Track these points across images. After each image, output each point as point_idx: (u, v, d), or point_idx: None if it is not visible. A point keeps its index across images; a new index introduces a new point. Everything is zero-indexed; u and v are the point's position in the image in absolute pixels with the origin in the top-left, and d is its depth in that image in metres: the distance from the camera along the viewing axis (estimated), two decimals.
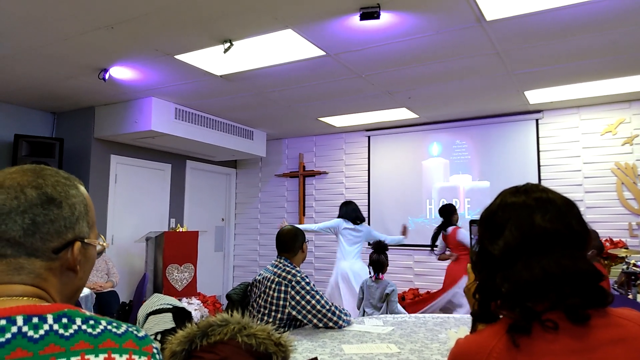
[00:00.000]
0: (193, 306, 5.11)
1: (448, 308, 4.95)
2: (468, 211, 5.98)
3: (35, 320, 0.71)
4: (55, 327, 0.72)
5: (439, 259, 5.41)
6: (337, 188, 6.98)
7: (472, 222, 4.88)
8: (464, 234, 4.92)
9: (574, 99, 5.20)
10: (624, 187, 5.20)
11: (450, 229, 5.04)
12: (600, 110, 5.39)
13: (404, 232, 5.31)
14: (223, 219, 7.68)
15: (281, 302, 2.38)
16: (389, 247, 4.41)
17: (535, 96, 5.14)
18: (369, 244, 6.36)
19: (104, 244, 3.29)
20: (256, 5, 3.10)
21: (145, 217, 6.24)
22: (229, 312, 1.27)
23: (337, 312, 2.41)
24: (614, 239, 5.05)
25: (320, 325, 2.36)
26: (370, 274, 4.27)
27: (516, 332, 0.92)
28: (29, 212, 0.78)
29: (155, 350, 0.80)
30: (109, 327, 0.77)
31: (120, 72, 4.42)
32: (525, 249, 0.98)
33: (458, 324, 2.50)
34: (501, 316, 1.00)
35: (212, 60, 4.06)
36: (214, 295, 5.99)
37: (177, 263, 5.46)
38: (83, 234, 0.84)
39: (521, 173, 5.65)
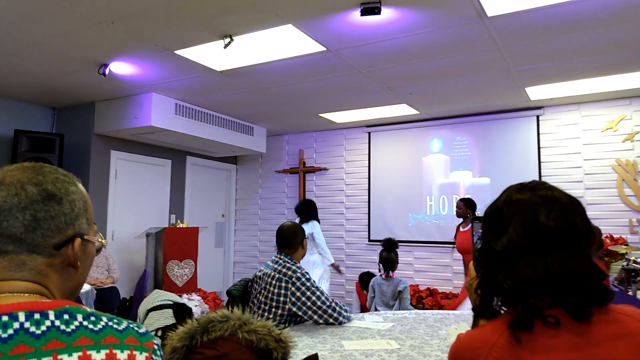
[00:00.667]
0: (193, 302, 5.11)
1: None
2: None
3: (37, 316, 0.71)
4: (57, 323, 0.72)
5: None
6: (338, 184, 6.98)
7: (475, 218, 4.87)
8: None
9: (574, 95, 5.19)
10: (624, 184, 5.20)
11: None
12: (601, 106, 5.38)
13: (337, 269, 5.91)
14: (223, 215, 7.68)
15: (281, 298, 2.38)
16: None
17: (536, 92, 5.13)
18: (378, 241, 6.39)
19: (103, 241, 3.30)
20: (257, 1, 3.09)
21: (145, 213, 6.24)
22: (230, 308, 1.27)
23: (338, 308, 2.42)
24: (614, 236, 5.06)
25: (321, 321, 2.36)
26: (380, 272, 4.29)
27: (518, 328, 0.92)
28: (29, 209, 0.78)
29: (156, 347, 0.80)
30: (110, 323, 0.77)
31: (120, 68, 4.41)
32: (529, 246, 0.98)
33: (458, 320, 2.50)
34: (502, 312, 1.00)
35: (213, 55, 4.05)
36: (215, 291, 6.00)
37: (178, 259, 5.46)
38: (83, 230, 0.85)
39: (522, 169, 5.64)
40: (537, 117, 5.70)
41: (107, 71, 4.30)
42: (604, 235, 4.77)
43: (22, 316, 0.71)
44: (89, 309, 0.78)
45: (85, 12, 3.26)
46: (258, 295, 2.49)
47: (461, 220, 4.99)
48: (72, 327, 0.73)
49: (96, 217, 5.38)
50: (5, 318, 0.69)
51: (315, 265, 5.32)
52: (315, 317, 2.35)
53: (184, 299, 5.15)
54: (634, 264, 4.33)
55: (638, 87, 4.87)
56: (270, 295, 2.41)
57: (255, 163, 7.75)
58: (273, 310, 2.39)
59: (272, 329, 1.21)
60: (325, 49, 3.89)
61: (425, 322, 2.49)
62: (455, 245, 5.14)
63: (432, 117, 6.25)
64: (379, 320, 2.52)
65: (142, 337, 0.79)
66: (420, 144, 6.39)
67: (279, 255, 2.55)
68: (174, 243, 5.48)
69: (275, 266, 2.49)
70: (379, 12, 3.12)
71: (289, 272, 2.42)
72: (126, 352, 0.75)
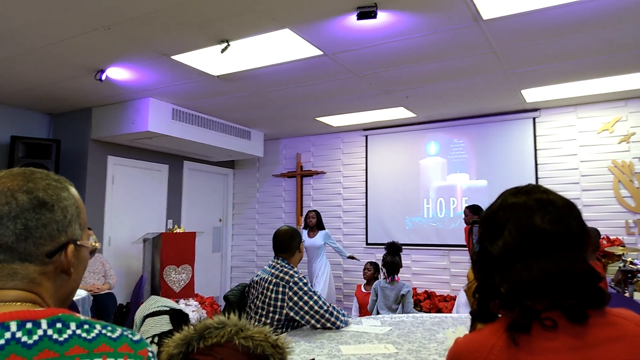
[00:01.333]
0: (191, 307, 5.09)
1: None
2: None
3: (29, 325, 0.71)
4: (50, 332, 0.71)
5: None
6: (335, 188, 6.98)
7: (473, 222, 4.87)
8: None
9: (570, 97, 5.21)
10: (620, 185, 5.21)
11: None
12: (597, 108, 5.40)
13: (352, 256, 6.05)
14: (220, 220, 7.67)
15: (279, 303, 2.37)
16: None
17: (532, 95, 5.14)
18: (375, 244, 6.41)
19: (96, 244, 3.29)
20: (254, 5, 3.09)
21: (142, 218, 6.22)
22: (226, 314, 1.26)
23: (335, 312, 2.41)
24: (611, 237, 5.06)
25: (318, 325, 2.35)
26: (384, 275, 4.29)
27: (516, 331, 0.93)
28: (21, 217, 0.77)
29: (150, 354, 0.79)
30: (104, 331, 0.76)
31: (117, 73, 4.41)
32: (525, 249, 0.98)
33: (456, 324, 2.50)
34: (500, 315, 1.00)
35: (209, 60, 4.05)
36: (212, 296, 5.97)
37: (175, 264, 5.45)
38: (76, 236, 0.84)
39: (518, 171, 5.65)
40: (534, 119, 5.71)
41: (103, 77, 4.30)
42: (601, 237, 4.77)
43: (14, 326, 0.70)
44: (82, 317, 0.77)
45: (82, 18, 3.26)
46: (255, 300, 2.48)
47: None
48: (65, 335, 0.72)
49: (93, 223, 5.37)
50: None
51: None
52: (313, 321, 2.34)
53: (181, 305, 5.13)
54: (630, 265, 4.33)
55: (633, 88, 4.89)
56: (267, 300, 2.40)
57: (253, 167, 7.75)
58: (270, 315, 2.38)
59: (268, 334, 1.20)
60: (322, 52, 3.90)
61: (423, 326, 2.49)
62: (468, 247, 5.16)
63: (429, 120, 6.26)
64: (376, 325, 2.52)
65: (136, 345, 0.78)
66: (417, 147, 6.40)
67: (276, 260, 2.55)
68: (171, 248, 5.46)
69: (273, 271, 2.48)
70: (375, 16, 3.13)
71: (287, 277, 2.42)
72: None
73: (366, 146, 6.77)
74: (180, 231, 5.90)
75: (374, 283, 4.37)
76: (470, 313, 1.10)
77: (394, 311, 4.06)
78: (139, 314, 2.04)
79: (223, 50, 3.68)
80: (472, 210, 4.95)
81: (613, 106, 5.32)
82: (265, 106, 5.60)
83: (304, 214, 7.02)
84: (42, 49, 3.79)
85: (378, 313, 4.05)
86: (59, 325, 0.73)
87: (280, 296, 2.38)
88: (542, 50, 3.89)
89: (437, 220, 6.15)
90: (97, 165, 5.70)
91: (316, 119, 6.19)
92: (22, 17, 3.24)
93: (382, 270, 4.38)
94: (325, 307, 2.37)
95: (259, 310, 2.43)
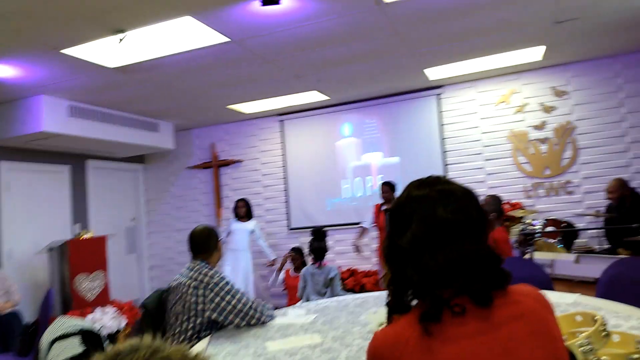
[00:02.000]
0: (109, 315, 4.81)
1: None
2: None
3: None
4: None
5: None
6: (254, 175, 6.88)
7: (386, 210, 5.05)
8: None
9: (470, 73, 5.51)
10: (518, 153, 5.64)
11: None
12: (494, 82, 5.77)
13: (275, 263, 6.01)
14: (134, 219, 7.27)
15: (199, 307, 2.29)
16: None
17: (434, 73, 5.37)
18: (298, 229, 6.44)
19: None
20: None
21: (45, 226, 5.73)
22: (142, 329, 1.18)
23: (260, 307, 2.38)
24: (512, 201, 5.49)
25: (244, 323, 2.31)
26: (312, 261, 4.31)
27: (427, 320, 0.95)
28: None
29: None
30: None
31: (3, 70, 3.97)
32: (431, 240, 1.01)
33: (377, 303, 2.58)
34: (413, 304, 1.03)
35: (104, 52, 3.77)
36: (131, 300, 5.67)
37: (86, 272, 5.09)
38: None
39: (427, 146, 5.92)
40: (438, 95, 5.98)
41: None
42: (503, 202, 5.16)
43: None
44: None
45: None
46: (175, 305, 2.37)
47: (383, 201, 5.19)
48: None
49: None
50: None
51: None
52: (237, 320, 2.29)
53: (97, 313, 4.82)
54: (530, 227, 4.74)
55: (525, 62, 5.27)
56: (187, 304, 2.31)
57: (164, 161, 7.40)
58: (192, 319, 2.30)
59: (186, 353, 1.14)
60: (228, 39, 3.77)
61: (347, 309, 2.54)
62: (377, 224, 5.31)
63: (342, 102, 6.34)
64: (301, 314, 2.53)
65: None
66: (332, 129, 6.47)
67: (194, 262, 2.45)
68: (80, 255, 5.09)
69: (191, 274, 2.38)
70: (278, 2, 3.10)
71: (206, 279, 2.34)
72: None
73: (282, 131, 6.73)
74: (89, 235, 5.52)
75: (302, 270, 4.39)
76: (386, 305, 1.11)
77: (324, 295, 4.11)
78: (46, 338, 1.87)
79: (121, 40, 3.43)
80: (391, 187, 5.13)
81: (508, 79, 5.71)
82: (173, 96, 5.34)
83: (224, 204, 6.88)
84: None
85: (308, 300, 4.08)
86: None
87: (200, 299, 2.30)
88: (442, 31, 4.06)
89: (355, 199, 6.30)
90: None
91: (228, 107, 6.03)
92: None
93: (310, 256, 4.41)
94: (250, 304, 2.33)
95: (180, 316, 2.33)
